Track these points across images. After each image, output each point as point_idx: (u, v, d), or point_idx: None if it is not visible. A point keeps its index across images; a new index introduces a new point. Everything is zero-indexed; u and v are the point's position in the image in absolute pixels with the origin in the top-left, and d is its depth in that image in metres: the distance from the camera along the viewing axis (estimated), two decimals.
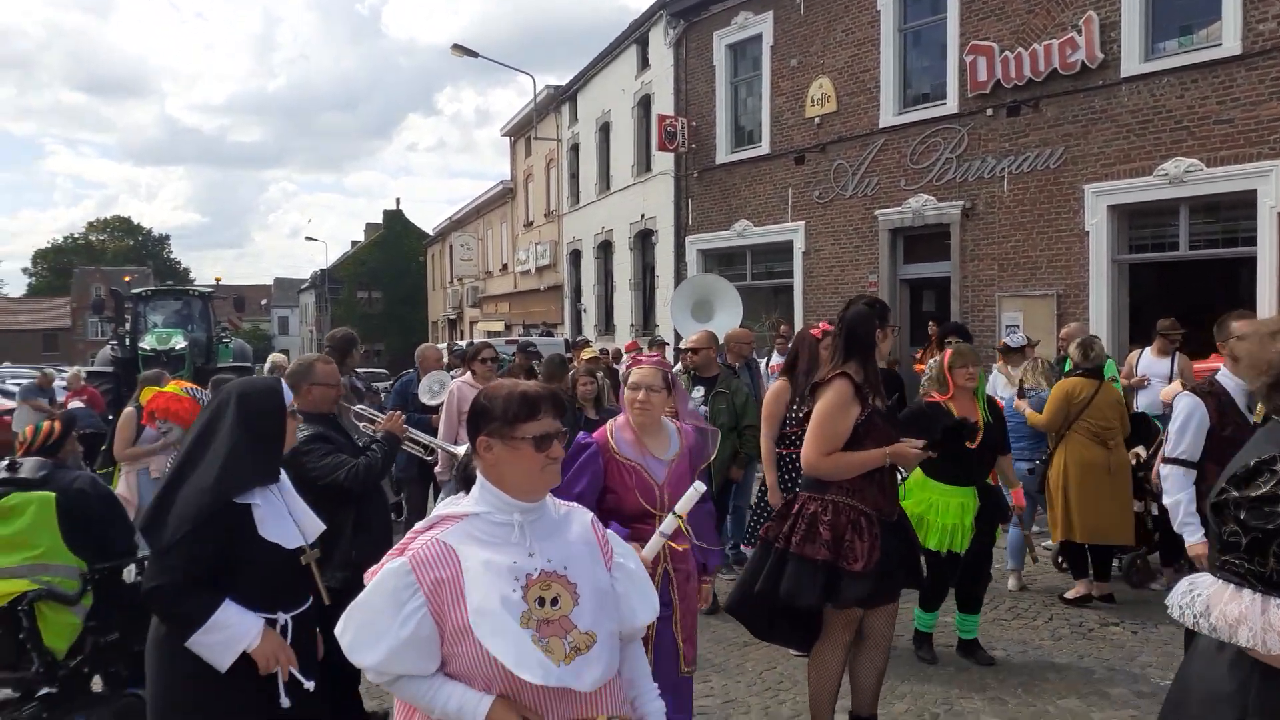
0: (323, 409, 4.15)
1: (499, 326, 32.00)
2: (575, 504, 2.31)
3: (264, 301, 76.41)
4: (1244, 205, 10.72)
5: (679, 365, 7.27)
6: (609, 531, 2.29)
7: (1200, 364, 8.39)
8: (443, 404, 6.85)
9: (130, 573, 4.35)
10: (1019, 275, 12.88)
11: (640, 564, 2.32)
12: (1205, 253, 11.36)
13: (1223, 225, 11.17)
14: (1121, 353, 10.82)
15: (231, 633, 2.67)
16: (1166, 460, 3.99)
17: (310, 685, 2.86)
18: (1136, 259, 12.03)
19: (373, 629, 1.97)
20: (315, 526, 3.01)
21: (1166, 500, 3.97)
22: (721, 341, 7.77)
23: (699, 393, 6.55)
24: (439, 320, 45.30)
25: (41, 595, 3.88)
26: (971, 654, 5.39)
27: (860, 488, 3.83)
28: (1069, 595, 6.42)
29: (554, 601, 2.03)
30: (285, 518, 2.89)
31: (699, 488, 2.99)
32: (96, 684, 4.38)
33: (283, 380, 3.18)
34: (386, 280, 56.04)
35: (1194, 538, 3.86)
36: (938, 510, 5.12)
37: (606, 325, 23.41)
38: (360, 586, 2.07)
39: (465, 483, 2.24)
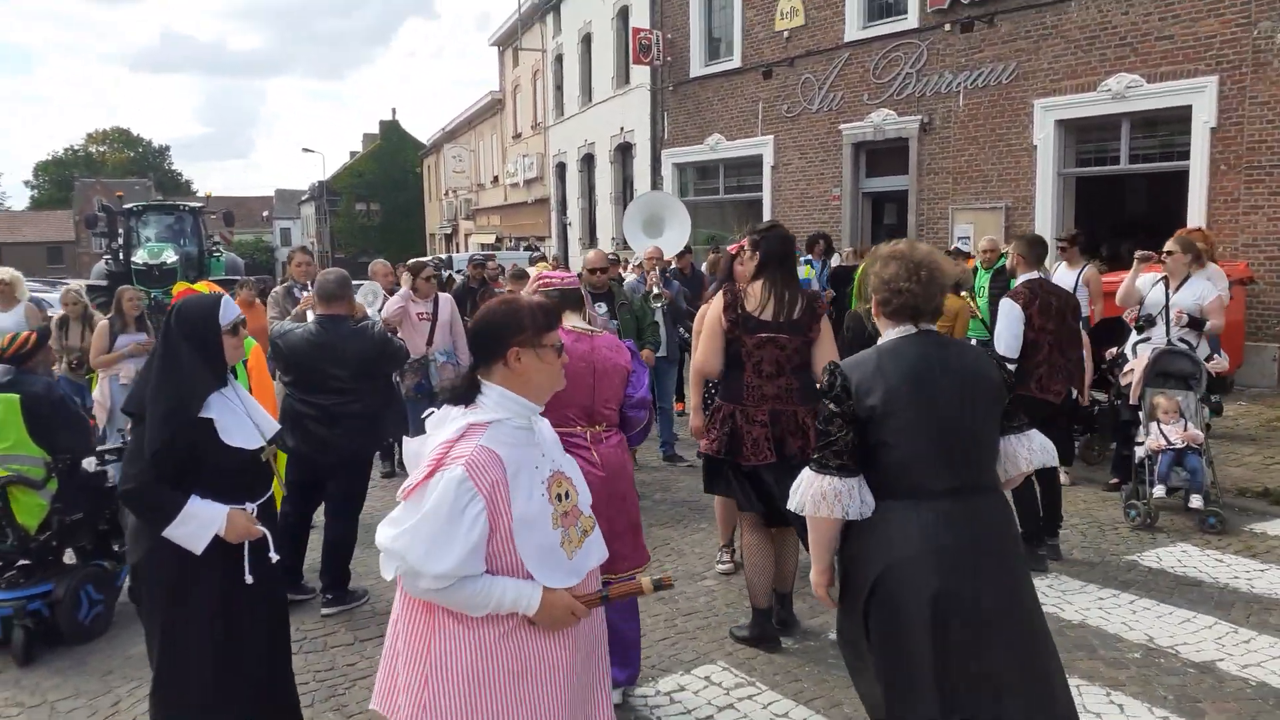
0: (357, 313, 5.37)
1: (491, 239, 32.35)
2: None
3: (266, 213, 76.31)
4: (1180, 120, 11.07)
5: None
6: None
7: (1112, 276, 8.84)
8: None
9: (90, 463, 5.04)
10: (971, 189, 13.29)
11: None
12: (1143, 166, 11.76)
13: (1160, 140, 11.53)
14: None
15: (199, 522, 3.12)
16: None
17: (276, 558, 3.35)
18: (1081, 172, 12.41)
19: (444, 538, 2.12)
20: (271, 425, 3.43)
21: None
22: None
23: (603, 308, 7.12)
24: (435, 232, 45.59)
25: (11, 480, 4.57)
26: None
27: None
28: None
29: (566, 495, 2.35)
30: (245, 421, 3.28)
31: None
32: (70, 557, 5.12)
33: (223, 298, 3.42)
34: (384, 192, 56.03)
35: None
36: None
37: (591, 239, 23.83)
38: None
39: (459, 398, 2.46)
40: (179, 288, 7.37)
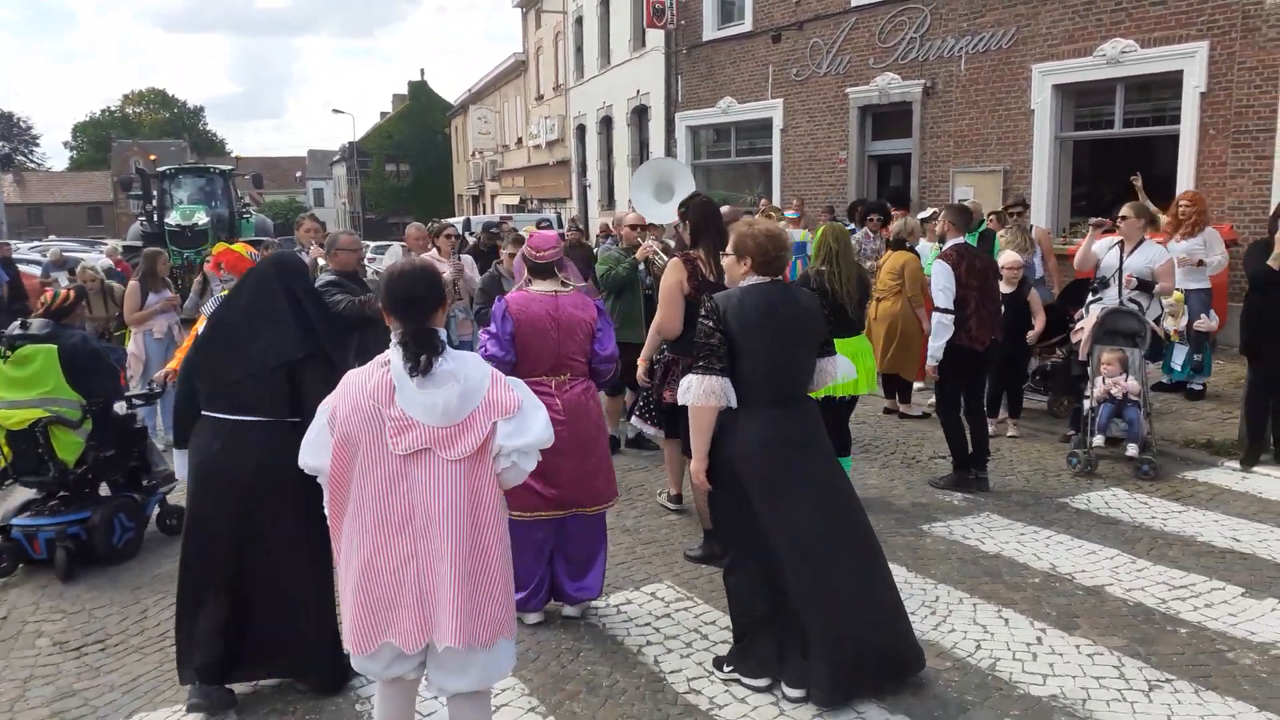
0: (348, 269, 6.00)
1: (515, 200, 32.86)
2: None
3: (299, 174, 77.20)
4: (1171, 85, 11.27)
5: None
6: None
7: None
8: None
9: (121, 406, 5.70)
10: (971, 152, 13.57)
11: None
12: (1137, 130, 11.98)
13: (1153, 104, 11.74)
14: (1062, 225, 11.82)
15: None
16: None
17: None
18: (1077, 136, 12.65)
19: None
20: None
21: None
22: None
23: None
24: (463, 193, 46.14)
25: (51, 421, 5.21)
26: None
27: None
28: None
29: None
30: None
31: None
32: (104, 490, 5.78)
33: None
34: (414, 153, 56.61)
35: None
36: None
37: (609, 200, 24.25)
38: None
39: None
40: (218, 248, 7.98)
